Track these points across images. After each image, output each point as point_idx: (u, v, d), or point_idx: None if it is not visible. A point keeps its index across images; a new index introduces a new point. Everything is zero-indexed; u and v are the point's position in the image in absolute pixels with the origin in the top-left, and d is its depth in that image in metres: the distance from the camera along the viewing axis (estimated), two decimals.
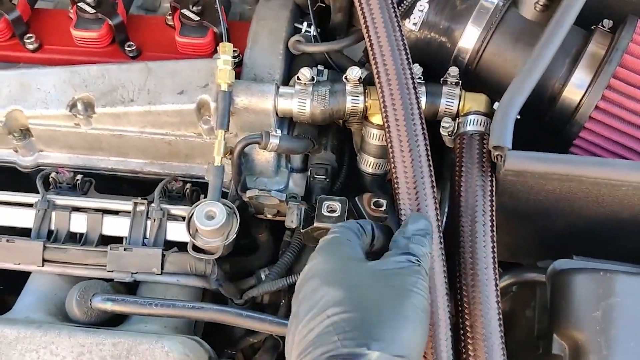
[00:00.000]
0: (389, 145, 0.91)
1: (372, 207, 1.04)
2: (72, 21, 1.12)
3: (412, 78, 0.94)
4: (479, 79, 1.07)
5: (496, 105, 0.99)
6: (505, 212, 0.98)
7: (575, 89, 0.99)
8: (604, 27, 1.03)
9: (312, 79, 1.00)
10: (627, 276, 0.86)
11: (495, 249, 0.90)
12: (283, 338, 0.85)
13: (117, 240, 0.99)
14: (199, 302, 0.98)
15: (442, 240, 0.88)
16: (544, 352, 0.92)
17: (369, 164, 1.07)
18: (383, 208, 1.03)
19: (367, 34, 0.96)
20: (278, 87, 1.01)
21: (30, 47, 1.13)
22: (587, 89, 0.97)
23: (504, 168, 0.89)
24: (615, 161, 0.89)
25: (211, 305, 0.96)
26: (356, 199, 1.05)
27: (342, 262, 0.75)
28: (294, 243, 1.08)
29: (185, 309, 0.94)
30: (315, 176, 1.05)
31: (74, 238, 1.00)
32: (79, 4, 1.11)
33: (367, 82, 1.02)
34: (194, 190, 1.06)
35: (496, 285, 0.88)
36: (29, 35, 1.13)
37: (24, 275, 1.03)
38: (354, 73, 0.99)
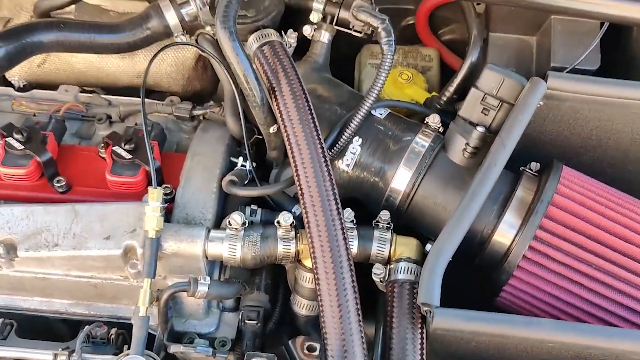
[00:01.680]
0: (319, 301, 0.91)
1: (306, 351, 1.02)
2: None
3: (343, 230, 0.94)
4: (411, 220, 1.08)
5: (428, 247, 1.00)
6: (437, 356, 0.98)
7: (503, 235, 1.01)
8: (531, 169, 1.06)
9: (244, 223, 1.00)
10: None
11: None
12: None
13: None
14: None
15: None
16: None
17: (302, 306, 1.05)
18: (316, 352, 1.01)
19: (298, 185, 0.97)
20: (209, 231, 1.00)
21: None
22: (514, 238, 0.99)
23: (433, 325, 0.88)
24: (541, 321, 0.90)
25: None
26: (289, 342, 1.03)
27: None
28: None
29: None
30: (247, 321, 1.03)
31: None
32: (7, 139, 1.09)
33: (300, 220, 1.01)
34: (119, 334, 1.02)
35: None
36: None
37: None
38: (285, 219, 0.99)
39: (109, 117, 1.22)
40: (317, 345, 1.01)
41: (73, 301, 1.06)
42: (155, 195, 0.97)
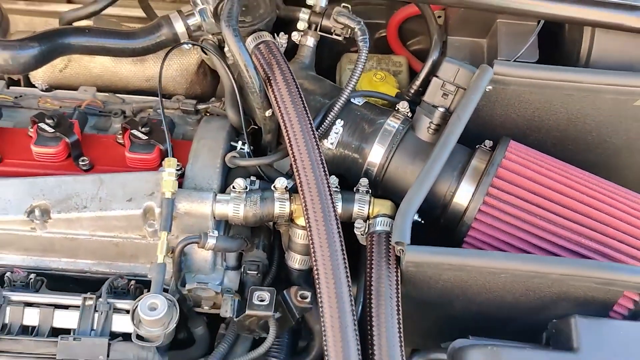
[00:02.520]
0: (311, 243, 1.08)
1: (299, 299, 1.18)
2: (32, 139, 1.27)
3: (329, 188, 1.13)
4: (386, 188, 1.27)
5: None
6: (412, 301, 1.15)
7: (462, 196, 1.20)
8: (485, 146, 1.27)
9: (246, 187, 1.18)
10: (510, 349, 1.03)
11: (401, 329, 1.05)
12: None
13: (67, 332, 1.09)
14: None
15: (356, 328, 1.03)
16: None
17: (295, 261, 1.23)
18: (308, 299, 1.18)
19: (291, 153, 1.16)
20: (215, 195, 1.18)
21: None
22: (471, 197, 1.19)
23: (405, 260, 1.06)
24: (494, 253, 1.09)
25: None
26: (284, 292, 1.19)
27: None
28: (228, 335, 1.20)
29: None
30: (248, 271, 1.20)
31: (26, 331, 1.09)
32: (39, 124, 1.26)
33: (293, 191, 1.20)
34: (137, 287, 1.18)
35: None
36: None
37: None
38: (281, 183, 1.18)
39: (123, 112, 1.41)
40: (309, 293, 1.18)
41: (96, 261, 1.22)
42: (171, 163, 1.16)
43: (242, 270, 1.22)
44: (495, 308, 1.16)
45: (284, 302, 1.18)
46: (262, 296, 1.10)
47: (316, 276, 1.05)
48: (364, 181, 1.22)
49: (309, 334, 1.28)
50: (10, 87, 1.47)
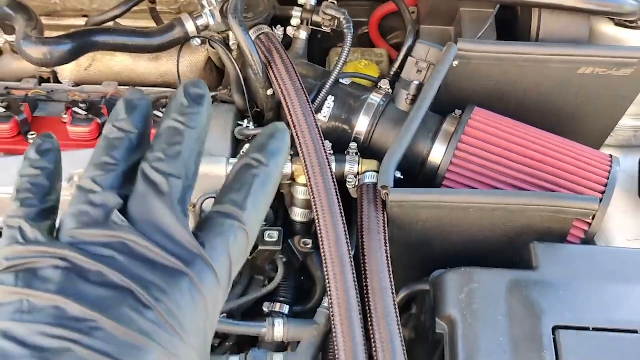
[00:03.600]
0: (311, 196, 1.29)
1: (301, 245, 1.39)
2: (66, 123, 1.48)
3: (325, 150, 1.34)
4: (372, 152, 1.48)
5: None
6: (398, 245, 1.35)
7: (436, 154, 1.42)
8: (455, 114, 1.49)
9: None
10: (481, 269, 1.24)
11: (389, 264, 1.25)
12: None
13: None
14: None
15: (351, 260, 1.23)
16: (432, 338, 1.26)
17: (297, 214, 1.44)
18: (309, 245, 1.39)
19: (291, 121, 1.37)
20: (228, 159, 1.39)
21: (32, 141, 1.47)
22: (443, 154, 1.41)
23: (389, 200, 1.27)
24: (461, 190, 1.30)
25: None
26: (289, 240, 1.40)
27: None
28: (242, 280, 1.40)
29: None
30: None
31: None
32: (73, 109, 1.48)
33: (293, 155, 1.41)
34: None
35: (392, 292, 1.22)
36: (31, 132, 1.48)
37: None
38: None
39: None
40: (310, 240, 1.39)
41: None
42: None
43: None
44: (469, 245, 1.36)
45: (288, 249, 1.39)
46: (272, 234, 1.31)
47: (316, 217, 1.26)
48: (353, 145, 1.44)
49: (310, 284, 1.48)
50: (42, 84, 1.68)
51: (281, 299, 1.39)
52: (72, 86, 1.70)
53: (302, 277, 1.49)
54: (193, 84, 0.50)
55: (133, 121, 0.51)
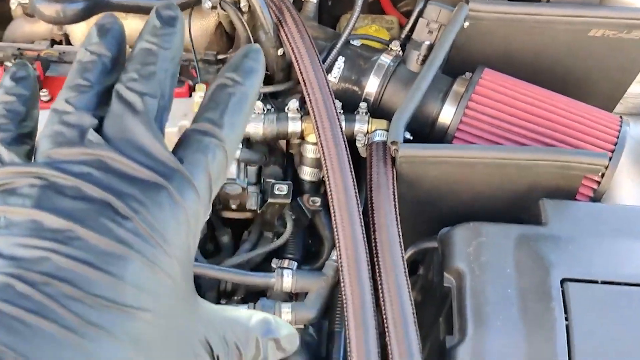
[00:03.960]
0: (322, 153, 1.30)
1: (310, 203, 1.40)
2: None
3: (335, 108, 1.35)
4: (382, 114, 1.49)
5: None
6: (407, 203, 1.36)
7: (445, 115, 1.42)
8: (465, 76, 1.49)
9: (264, 109, 1.40)
10: (489, 224, 1.24)
11: (398, 217, 1.26)
12: None
13: None
14: None
15: (362, 220, 1.24)
16: (440, 294, 1.26)
17: (306, 173, 1.44)
18: (318, 203, 1.39)
19: (302, 79, 1.38)
20: None
21: (44, 99, 1.49)
22: (454, 114, 1.41)
23: (399, 156, 1.28)
24: (470, 145, 1.31)
25: None
26: (297, 198, 1.41)
27: None
28: (251, 237, 1.41)
29: None
30: (267, 180, 1.41)
31: None
32: None
33: (304, 114, 1.42)
34: None
35: (401, 244, 1.23)
36: (43, 90, 1.49)
37: None
38: (293, 104, 1.40)
39: None
40: (319, 199, 1.40)
41: None
42: (201, 87, 1.38)
43: (262, 181, 1.43)
44: (477, 204, 1.37)
45: (297, 207, 1.40)
46: (281, 188, 1.31)
47: (326, 171, 1.27)
48: (363, 105, 1.44)
49: (318, 244, 1.49)
50: (55, 46, 1.69)
51: (290, 255, 1.40)
52: None
53: (310, 241, 1.50)
54: (165, 6, 0.51)
55: (106, 44, 0.51)
